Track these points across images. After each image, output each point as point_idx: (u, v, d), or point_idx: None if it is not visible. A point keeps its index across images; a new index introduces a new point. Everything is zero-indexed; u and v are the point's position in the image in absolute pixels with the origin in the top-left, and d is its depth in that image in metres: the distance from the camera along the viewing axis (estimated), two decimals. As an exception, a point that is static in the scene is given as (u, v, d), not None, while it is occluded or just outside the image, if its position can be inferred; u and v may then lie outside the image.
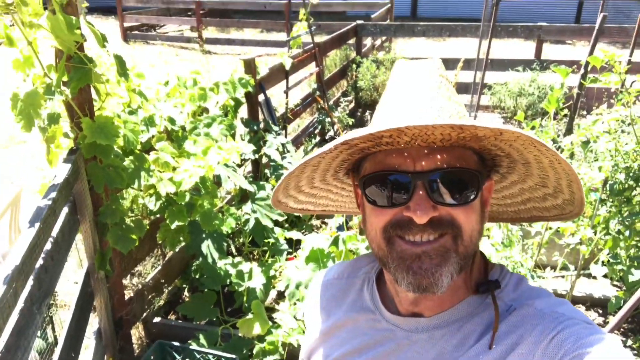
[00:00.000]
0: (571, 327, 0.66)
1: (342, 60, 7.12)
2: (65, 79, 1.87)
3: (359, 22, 7.04)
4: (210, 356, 2.25)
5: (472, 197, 0.70)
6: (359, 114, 6.88)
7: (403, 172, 0.69)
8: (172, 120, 2.57)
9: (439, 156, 0.69)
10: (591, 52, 3.19)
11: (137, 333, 2.69)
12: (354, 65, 6.90)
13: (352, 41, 7.22)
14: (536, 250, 2.91)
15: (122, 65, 1.94)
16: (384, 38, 8.99)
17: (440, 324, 0.74)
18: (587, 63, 3.01)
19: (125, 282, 2.99)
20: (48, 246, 1.66)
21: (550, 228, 3.00)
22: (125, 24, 11.99)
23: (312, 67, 5.61)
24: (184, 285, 2.98)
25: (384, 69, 6.87)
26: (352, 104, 6.88)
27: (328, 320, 0.87)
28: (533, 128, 3.58)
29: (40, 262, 1.56)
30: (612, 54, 2.18)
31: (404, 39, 11.20)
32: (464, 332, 0.72)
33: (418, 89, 0.74)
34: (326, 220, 3.82)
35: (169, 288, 2.92)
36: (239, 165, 3.56)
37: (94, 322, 2.33)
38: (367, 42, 8.10)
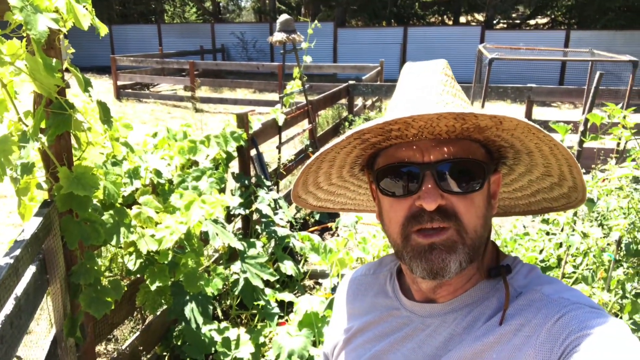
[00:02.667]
0: (576, 311, 0.68)
1: (335, 119, 7.15)
2: (43, 125, 1.74)
3: (351, 82, 7.13)
4: None
5: (477, 186, 0.74)
6: (351, 171, 6.81)
7: (413, 164, 0.74)
8: (158, 173, 2.43)
9: (445, 148, 0.73)
10: (589, 110, 3.14)
11: (108, 409, 2.40)
12: (347, 123, 6.91)
13: (344, 101, 7.29)
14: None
15: (105, 112, 1.82)
16: (374, 98, 9.12)
17: (453, 308, 0.78)
18: (587, 121, 2.95)
19: (99, 348, 2.72)
20: (7, 310, 1.45)
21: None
22: (119, 82, 12.14)
23: (304, 125, 5.58)
24: (165, 353, 2.72)
25: (377, 127, 6.89)
26: (345, 162, 6.83)
27: (353, 312, 0.93)
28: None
29: (-6, 329, 1.35)
30: (618, 109, 2.11)
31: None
32: (474, 315, 0.76)
33: (424, 87, 0.78)
34: (320, 280, 3.61)
35: (148, 356, 2.66)
36: (229, 222, 3.39)
37: (58, 398, 2.06)
38: (359, 102, 8.20)
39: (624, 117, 2.20)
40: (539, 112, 10.32)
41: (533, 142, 0.73)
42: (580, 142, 3.25)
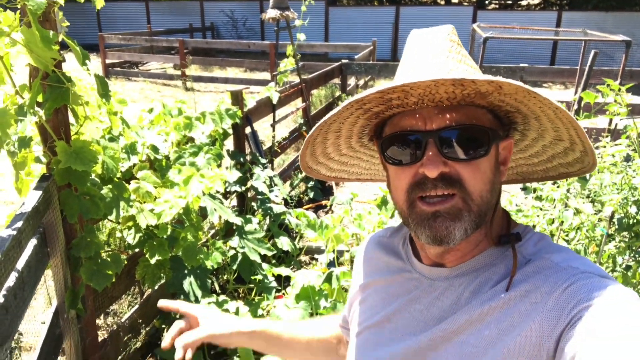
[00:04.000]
0: (585, 280, 0.68)
1: (328, 98, 7.13)
2: (40, 99, 1.72)
3: (345, 61, 7.08)
4: (191, 407, 2.02)
5: (481, 153, 0.74)
6: (344, 150, 6.82)
7: (415, 132, 0.74)
8: (155, 149, 2.42)
9: (448, 115, 0.73)
10: (583, 89, 3.17)
11: (109, 381, 2.43)
12: (340, 103, 6.89)
13: (336, 80, 7.25)
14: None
15: (103, 85, 1.81)
16: (367, 78, 9.09)
17: (460, 273, 0.79)
18: (580, 99, 2.98)
19: (99, 322, 2.75)
20: (10, 282, 1.47)
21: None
22: (108, 61, 11.95)
23: (298, 104, 5.56)
24: (163, 326, 2.75)
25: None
26: (338, 141, 6.83)
27: (369, 271, 0.96)
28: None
29: (0, 300, 1.36)
30: (615, 84, 2.13)
31: (385, 80, 11.37)
32: (481, 280, 0.77)
33: (429, 53, 0.77)
34: (316, 256, 3.65)
35: (147, 329, 2.69)
36: (225, 199, 3.40)
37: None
38: (351, 81, 8.16)
39: (619, 92, 2.23)
40: (531, 92, 10.34)
41: (537, 106, 0.73)
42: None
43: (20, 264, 1.57)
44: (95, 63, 12.10)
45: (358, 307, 0.94)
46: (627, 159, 2.49)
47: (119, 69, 12.34)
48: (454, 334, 0.75)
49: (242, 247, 2.76)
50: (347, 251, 3.43)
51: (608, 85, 2.25)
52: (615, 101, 2.30)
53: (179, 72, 11.55)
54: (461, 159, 0.73)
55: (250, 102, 3.93)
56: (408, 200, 0.76)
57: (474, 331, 0.73)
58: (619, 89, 2.25)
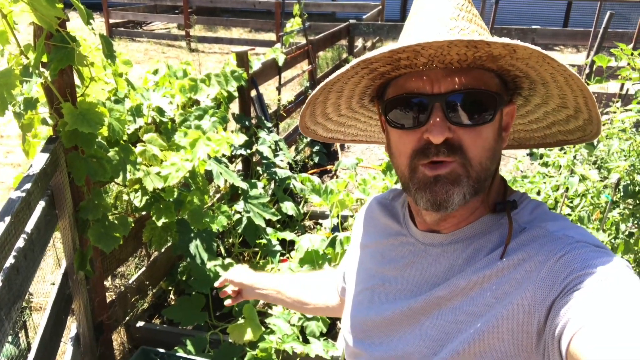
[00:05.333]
0: (580, 249, 0.67)
1: (334, 60, 7.01)
2: (44, 59, 1.70)
3: (352, 21, 6.93)
4: (199, 364, 2.08)
5: (488, 118, 0.72)
6: (350, 114, 6.76)
7: (421, 95, 0.72)
8: (161, 111, 2.41)
9: (456, 78, 0.71)
10: (596, 52, 3.09)
11: (118, 338, 2.50)
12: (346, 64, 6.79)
13: (343, 42, 7.11)
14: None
15: (108, 46, 1.78)
16: (375, 39, 8.90)
17: (454, 240, 0.79)
18: (593, 63, 2.91)
19: (107, 283, 2.80)
20: (21, 243, 1.49)
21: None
22: (111, 21, 11.73)
23: (303, 66, 5.47)
24: (170, 288, 2.81)
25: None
26: (344, 105, 6.76)
27: (368, 231, 0.97)
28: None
29: (10, 261, 1.38)
30: (628, 49, 2.07)
31: (393, 42, 11.13)
32: (475, 247, 0.76)
33: (438, 11, 0.74)
34: (320, 221, 3.68)
35: (154, 291, 2.75)
36: (230, 163, 3.40)
37: (71, 327, 2.15)
38: (358, 43, 8.00)
39: (632, 55, 2.16)
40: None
41: (548, 72, 0.70)
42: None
43: (30, 225, 1.59)
44: (98, 23, 11.88)
45: (355, 267, 0.96)
46: (637, 125, 2.45)
47: (122, 29, 12.13)
48: (446, 300, 0.75)
49: (248, 212, 2.78)
50: (351, 216, 3.45)
51: (621, 49, 2.20)
52: (628, 64, 2.25)
53: (183, 33, 11.35)
54: (465, 125, 0.71)
55: (255, 63, 3.87)
56: (410, 166, 0.75)
57: (467, 298, 0.73)
58: (632, 53, 2.20)
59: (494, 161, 0.76)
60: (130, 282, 2.53)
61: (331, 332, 2.57)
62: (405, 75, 0.74)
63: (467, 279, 0.73)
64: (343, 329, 0.93)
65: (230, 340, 2.25)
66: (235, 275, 1.22)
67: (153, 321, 2.64)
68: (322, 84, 0.77)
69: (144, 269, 2.62)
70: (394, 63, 0.72)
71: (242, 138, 2.40)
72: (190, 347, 2.24)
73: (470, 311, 0.72)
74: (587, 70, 3.12)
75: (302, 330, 2.41)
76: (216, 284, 1.25)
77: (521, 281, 0.68)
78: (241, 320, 2.28)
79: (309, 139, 5.03)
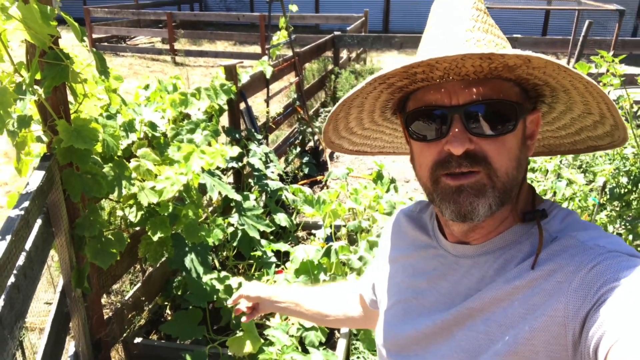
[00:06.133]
0: (612, 259, 0.66)
1: (320, 72, 7.06)
2: (38, 77, 1.70)
3: (337, 33, 7.00)
4: (199, 379, 2.07)
5: (508, 128, 0.72)
6: (337, 124, 6.80)
7: (440, 107, 0.72)
8: (153, 126, 2.41)
9: (474, 89, 0.70)
10: (577, 60, 3.18)
11: (116, 355, 2.48)
12: (333, 76, 6.84)
13: (329, 53, 7.18)
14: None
15: (102, 62, 1.79)
16: (359, 51, 9.00)
17: (485, 251, 0.78)
18: (574, 69, 2.99)
19: (102, 300, 2.78)
20: (20, 262, 1.48)
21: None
22: (94, 36, 11.69)
23: (290, 78, 5.51)
24: (166, 303, 2.79)
25: (362, 80, 6.83)
26: (331, 115, 6.80)
27: (398, 247, 0.96)
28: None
29: (12, 279, 1.38)
30: (609, 56, 2.14)
31: (377, 53, 11.27)
32: (506, 258, 0.76)
33: (453, 23, 0.74)
34: (313, 231, 3.69)
35: (150, 306, 2.73)
36: (222, 174, 3.40)
37: (69, 345, 2.12)
38: (343, 54, 8.08)
39: (612, 62, 2.23)
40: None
41: (567, 79, 0.70)
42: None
43: (28, 243, 1.58)
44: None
45: (386, 280, 0.95)
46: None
47: (106, 43, 12.10)
48: (478, 312, 0.75)
49: (242, 224, 2.78)
50: (344, 226, 3.47)
51: (602, 56, 2.27)
52: (608, 71, 2.32)
53: (167, 47, 11.35)
54: (487, 135, 0.71)
55: (244, 76, 3.89)
56: (432, 178, 0.75)
57: (499, 309, 0.72)
58: (612, 60, 2.27)
59: (520, 170, 0.75)
60: (126, 298, 2.52)
61: (330, 341, 2.57)
62: (423, 88, 0.74)
63: (498, 289, 0.73)
64: (377, 342, 0.93)
65: (229, 353, 2.24)
66: (251, 291, 1.21)
67: (150, 337, 2.62)
68: (340, 100, 0.78)
69: (139, 284, 2.60)
70: (411, 77, 0.72)
71: (235, 150, 2.41)
72: (189, 361, 2.23)
73: (502, 322, 0.72)
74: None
75: (301, 341, 2.41)
76: (229, 302, 1.24)
77: (552, 292, 0.68)
78: (240, 333, 2.28)
79: (298, 149, 5.06)
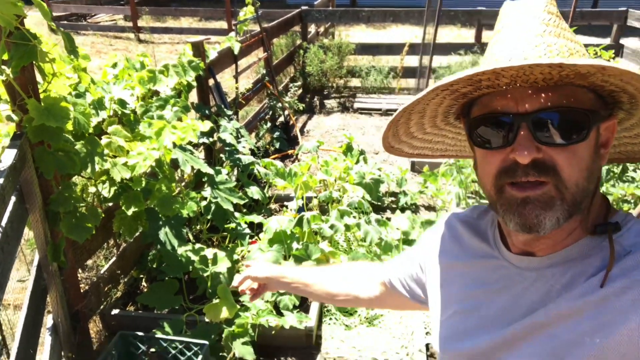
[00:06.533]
0: None
1: (288, 47, 7.06)
2: (5, 57, 1.72)
3: (304, 8, 6.99)
4: (178, 343, 2.17)
5: (580, 137, 0.68)
6: (307, 99, 6.86)
7: (506, 114, 0.69)
8: (122, 103, 2.44)
9: (543, 95, 0.67)
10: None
11: (95, 327, 2.55)
12: (301, 51, 6.86)
13: (297, 28, 7.17)
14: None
15: (70, 41, 1.81)
16: (327, 25, 8.99)
17: (552, 263, 0.75)
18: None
19: (79, 276, 2.83)
20: (-2, 236, 1.53)
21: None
22: (53, 14, 11.29)
23: (259, 54, 5.52)
24: (142, 276, 2.86)
25: (331, 55, 6.88)
26: (301, 90, 6.85)
27: (451, 254, 0.92)
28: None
29: (-9, 252, 1.44)
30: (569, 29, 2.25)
31: (345, 27, 11.26)
32: (574, 273, 0.72)
33: (523, 28, 0.71)
34: (285, 203, 3.79)
35: (126, 279, 2.80)
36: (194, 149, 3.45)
37: (48, 318, 2.19)
38: (311, 29, 8.07)
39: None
40: (488, 36, 10.51)
41: None
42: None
43: (3, 220, 1.63)
44: (39, 15, 11.43)
45: (440, 287, 0.92)
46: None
47: (65, 22, 11.71)
48: (543, 326, 0.72)
49: (215, 198, 2.86)
50: (316, 197, 3.58)
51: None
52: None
53: (130, 24, 11.07)
54: (557, 144, 0.67)
55: (211, 53, 3.90)
56: (496, 186, 0.72)
57: (566, 325, 0.70)
58: (573, 31, 2.38)
59: (592, 181, 0.71)
60: (102, 272, 2.58)
61: (303, 305, 2.70)
62: (489, 94, 0.71)
63: (565, 305, 0.70)
64: (437, 348, 0.91)
65: (207, 320, 2.34)
66: (259, 272, 1.20)
67: (127, 309, 2.70)
68: (401, 108, 0.77)
69: (114, 258, 2.66)
70: (475, 84, 0.69)
71: (207, 125, 2.47)
72: (167, 328, 2.32)
73: (569, 339, 0.69)
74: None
75: (276, 305, 2.53)
76: (234, 284, 1.24)
77: (625, 311, 0.65)
78: (216, 301, 2.38)
79: (268, 124, 5.11)
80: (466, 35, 11.43)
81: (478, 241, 0.88)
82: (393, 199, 4.09)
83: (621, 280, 0.67)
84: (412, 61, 7.02)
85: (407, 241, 3.14)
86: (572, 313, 0.69)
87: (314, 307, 2.63)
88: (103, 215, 2.22)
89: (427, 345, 2.51)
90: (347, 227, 3.01)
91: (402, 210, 3.80)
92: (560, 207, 0.68)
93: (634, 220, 0.74)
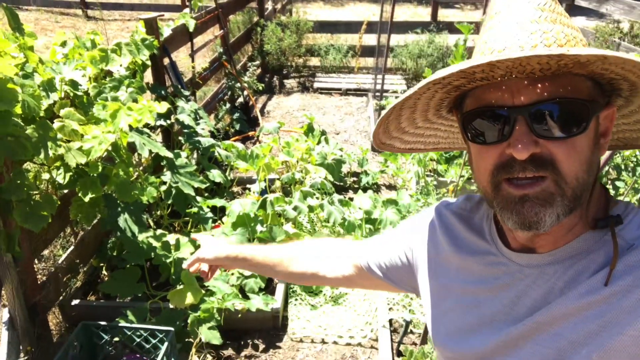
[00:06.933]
0: None
1: (245, 24, 6.90)
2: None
3: (260, -17, 6.83)
4: (142, 331, 2.13)
5: (580, 129, 0.64)
6: (267, 79, 6.76)
7: (501, 107, 0.65)
8: (74, 85, 2.32)
9: (540, 86, 0.63)
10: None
11: (54, 319, 2.47)
12: (259, 29, 6.73)
13: (253, 4, 7.01)
14: (451, 197, 3.08)
15: (14, 18, 1.70)
16: (284, 2, 8.83)
17: (553, 260, 0.72)
18: (487, 20, 3.18)
19: (36, 267, 2.72)
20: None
21: (463, 176, 3.20)
22: (-9, -14, 10.56)
23: (215, 31, 5.37)
24: (102, 264, 2.78)
25: (290, 32, 6.78)
26: (260, 70, 6.73)
27: (448, 245, 0.87)
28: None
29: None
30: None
31: (302, 4, 11.11)
32: (577, 269, 0.70)
33: (517, 14, 0.68)
34: (247, 186, 3.75)
35: (85, 269, 2.71)
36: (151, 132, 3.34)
37: (2, 313, 2.10)
38: (268, 5, 7.91)
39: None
40: (443, 14, 10.63)
41: None
42: (482, 42, 3.51)
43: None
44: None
45: (435, 278, 0.89)
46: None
47: (5, -5, 10.97)
48: (547, 325, 0.70)
49: (175, 182, 2.79)
50: (278, 179, 3.56)
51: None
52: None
53: (77, 0, 10.51)
54: (555, 137, 0.64)
55: (165, 30, 3.76)
56: (492, 183, 0.69)
57: (570, 324, 0.68)
58: None
59: (591, 173, 0.68)
60: (60, 261, 2.48)
61: (269, 287, 2.70)
62: (483, 86, 0.68)
63: (569, 303, 0.68)
64: (436, 339, 0.88)
65: (171, 306, 2.31)
66: (207, 253, 1.14)
67: (88, 298, 2.62)
68: (391, 105, 0.73)
69: (72, 247, 2.57)
70: (469, 76, 0.66)
71: (164, 106, 2.39)
72: (131, 317, 2.27)
73: (573, 339, 0.67)
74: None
75: (242, 289, 2.52)
76: (184, 265, 1.21)
77: (631, 310, 0.64)
78: (180, 287, 2.35)
79: (228, 105, 5.01)
80: (422, 13, 11.52)
81: (474, 237, 0.84)
82: (355, 179, 4.12)
83: (625, 278, 0.65)
84: (371, 40, 7.01)
85: (370, 220, 3.18)
86: (576, 312, 0.68)
87: (280, 288, 2.63)
88: (59, 203, 2.13)
89: (390, 321, 2.57)
90: (311, 208, 3.02)
91: (364, 190, 3.84)
92: (561, 203, 0.66)
93: (635, 211, 0.72)
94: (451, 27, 6.84)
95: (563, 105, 0.64)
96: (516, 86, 0.64)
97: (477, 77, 0.65)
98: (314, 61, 7.26)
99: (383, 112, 0.76)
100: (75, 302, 2.46)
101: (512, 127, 0.65)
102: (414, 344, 2.48)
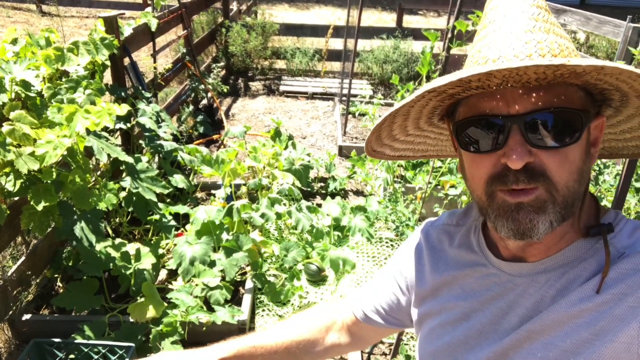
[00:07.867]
0: None
1: (210, 25, 6.77)
2: None
3: (225, -17, 6.71)
4: (101, 347, 2.01)
5: (573, 139, 0.65)
6: (231, 81, 6.63)
7: (496, 116, 0.65)
8: (26, 85, 2.18)
9: (535, 95, 0.64)
10: (456, 18, 3.39)
11: (2, 336, 2.30)
12: (224, 30, 6.60)
13: (218, 5, 6.88)
14: (419, 204, 3.08)
15: (-42, 12, 1.56)
16: (249, 3, 8.72)
17: (545, 269, 0.72)
18: (454, 28, 3.19)
19: (-21, 279, 2.53)
20: None
21: (430, 183, 3.20)
22: (-64, -23, 9.98)
23: (178, 31, 5.22)
24: (56, 276, 2.62)
25: (255, 34, 6.68)
26: (224, 71, 6.61)
27: (436, 263, 0.88)
28: (408, 90, 3.74)
29: None
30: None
31: (268, 5, 11.01)
32: (568, 278, 0.70)
33: (511, 24, 0.68)
34: (212, 191, 3.64)
35: (37, 280, 2.55)
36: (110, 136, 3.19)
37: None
38: (233, 6, 7.79)
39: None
40: (407, 20, 10.76)
41: None
42: (448, 49, 3.53)
43: None
44: None
45: (426, 301, 0.88)
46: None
47: (-49, -13, 10.40)
48: (538, 334, 0.70)
49: (136, 188, 2.66)
50: (244, 184, 3.47)
51: (478, 15, 2.44)
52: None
53: (31, -6, 10.05)
54: (549, 147, 0.65)
55: (126, 29, 3.61)
56: (487, 192, 0.69)
57: (561, 333, 0.68)
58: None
59: (582, 182, 0.69)
60: (9, 274, 2.32)
61: (235, 298, 2.61)
62: (477, 95, 0.68)
63: (561, 312, 0.68)
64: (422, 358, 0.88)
65: (131, 320, 2.19)
66: None
67: (41, 312, 2.46)
68: (385, 114, 0.73)
69: (23, 258, 2.41)
70: (464, 85, 0.66)
71: (124, 109, 2.27)
72: (88, 332, 2.14)
73: (565, 347, 0.67)
74: (449, 35, 3.41)
75: (207, 301, 2.42)
76: None
77: (623, 317, 0.64)
78: (141, 299, 2.23)
79: (191, 108, 4.88)
80: (387, 19, 11.63)
81: (462, 251, 0.85)
82: (322, 184, 4.07)
83: (617, 286, 0.66)
84: (337, 44, 7.00)
85: (339, 227, 3.13)
86: (568, 320, 0.68)
87: (247, 299, 2.55)
88: (8, 212, 1.99)
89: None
90: (279, 216, 2.95)
91: (332, 196, 3.80)
92: (553, 209, 0.66)
93: (625, 220, 0.73)
94: (416, 34, 6.90)
95: (557, 115, 0.64)
96: (511, 95, 0.64)
97: (472, 86, 0.65)
98: (280, 64, 7.18)
99: (377, 120, 0.76)
100: (26, 317, 2.31)
101: (506, 136, 0.65)
102: (384, 354, 2.45)
